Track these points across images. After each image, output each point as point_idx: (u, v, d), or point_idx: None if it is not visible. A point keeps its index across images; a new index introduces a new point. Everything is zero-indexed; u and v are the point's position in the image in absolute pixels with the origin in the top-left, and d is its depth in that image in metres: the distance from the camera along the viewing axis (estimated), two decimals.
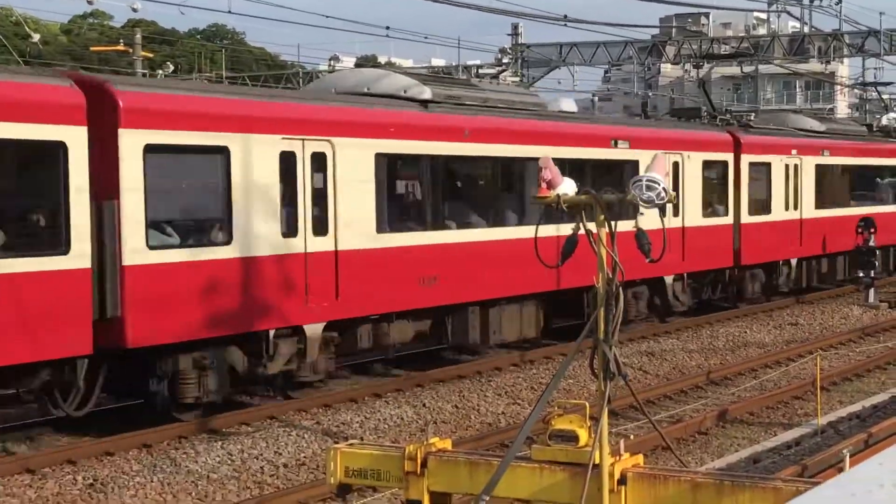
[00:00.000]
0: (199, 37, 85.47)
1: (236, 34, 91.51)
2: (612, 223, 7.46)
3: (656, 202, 7.38)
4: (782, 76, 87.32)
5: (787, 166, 29.26)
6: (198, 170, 15.91)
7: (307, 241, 16.63)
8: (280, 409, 16.72)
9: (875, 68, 60.60)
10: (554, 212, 7.75)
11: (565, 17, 38.91)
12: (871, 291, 30.34)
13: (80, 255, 13.88)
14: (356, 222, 17.40)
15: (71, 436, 15.41)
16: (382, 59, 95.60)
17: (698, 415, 17.02)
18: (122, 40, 54.33)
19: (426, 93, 19.41)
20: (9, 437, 15.18)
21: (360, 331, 17.99)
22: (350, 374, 19.91)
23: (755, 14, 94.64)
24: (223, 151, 15.52)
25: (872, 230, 30.27)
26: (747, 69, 71.15)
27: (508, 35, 49.50)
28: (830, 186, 31.70)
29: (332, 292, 16.94)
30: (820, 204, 30.69)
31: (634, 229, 7.50)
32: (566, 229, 7.57)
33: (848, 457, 11.23)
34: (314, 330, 16.80)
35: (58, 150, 13.67)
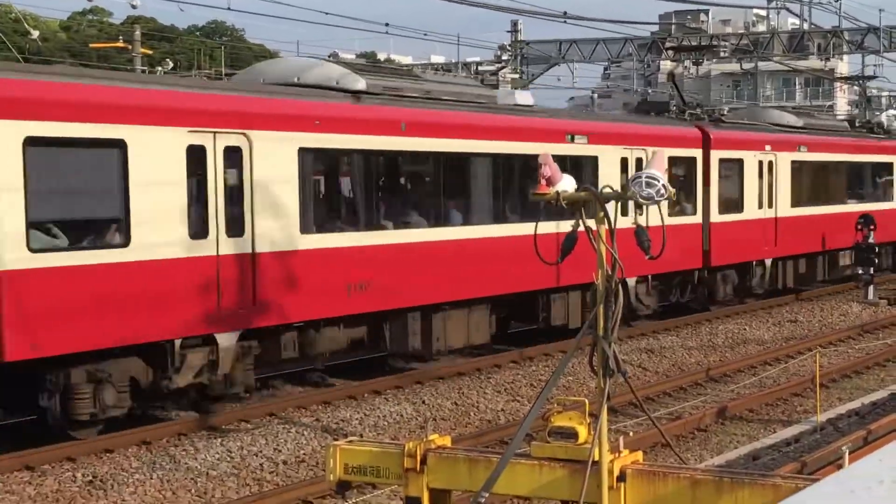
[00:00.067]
0: (198, 33, 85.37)
1: (236, 31, 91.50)
2: (612, 220, 7.47)
3: (656, 199, 7.39)
4: (782, 73, 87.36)
5: (760, 163, 28.17)
6: (90, 165, 14.31)
7: (219, 243, 15.40)
8: (279, 405, 16.72)
9: (874, 65, 60.54)
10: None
11: (565, 13, 38.94)
12: (871, 288, 30.34)
13: None
14: (277, 222, 16.18)
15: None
16: (382, 56, 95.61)
17: (698, 412, 17.04)
18: (121, 37, 54.34)
19: (360, 83, 18.12)
20: None
21: (283, 339, 16.70)
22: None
23: (755, 11, 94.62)
24: (119, 145, 14.27)
25: (872, 227, 30.15)
26: (747, 66, 71.17)
27: (508, 32, 49.50)
28: (808, 184, 30.64)
29: (248, 298, 15.70)
30: (796, 202, 29.71)
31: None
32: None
33: (847, 453, 11.21)
34: (227, 339, 15.57)
35: None
